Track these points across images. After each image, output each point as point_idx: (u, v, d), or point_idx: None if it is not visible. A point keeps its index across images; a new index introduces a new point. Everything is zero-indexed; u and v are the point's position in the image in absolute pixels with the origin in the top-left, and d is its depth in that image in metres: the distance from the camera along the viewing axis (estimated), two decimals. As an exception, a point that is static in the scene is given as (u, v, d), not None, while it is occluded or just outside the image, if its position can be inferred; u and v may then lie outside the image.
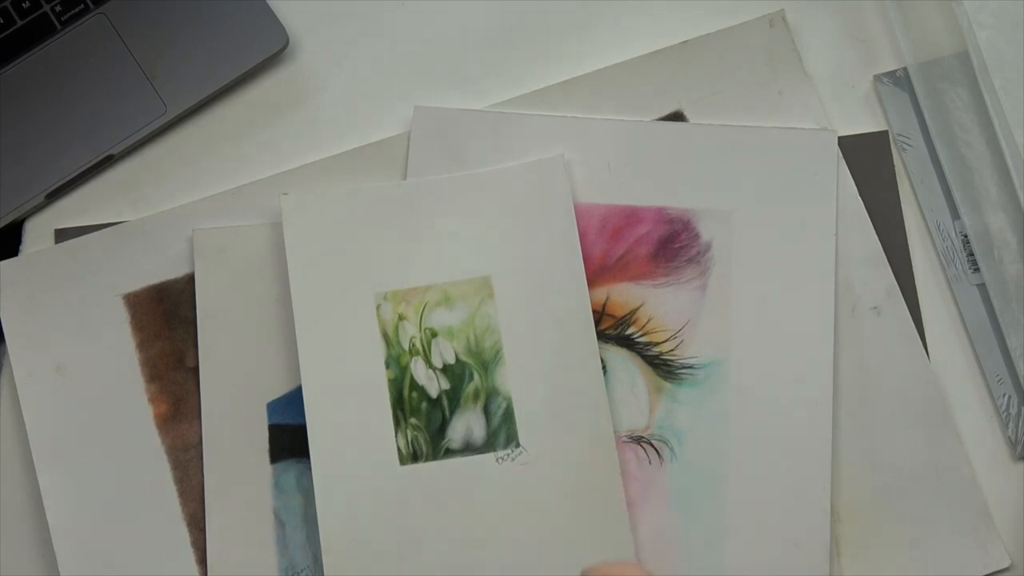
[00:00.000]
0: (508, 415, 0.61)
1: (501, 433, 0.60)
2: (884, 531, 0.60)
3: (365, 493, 0.60)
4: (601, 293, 0.62)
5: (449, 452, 0.60)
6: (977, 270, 0.63)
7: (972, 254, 0.63)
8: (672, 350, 0.62)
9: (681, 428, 0.61)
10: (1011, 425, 0.61)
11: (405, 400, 0.61)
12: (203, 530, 0.61)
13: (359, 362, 0.61)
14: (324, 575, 0.59)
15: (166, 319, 0.63)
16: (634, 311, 0.62)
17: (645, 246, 0.63)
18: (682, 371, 0.62)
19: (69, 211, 0.65)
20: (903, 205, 0.64)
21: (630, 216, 0.63)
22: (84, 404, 0.62)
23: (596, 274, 0.63)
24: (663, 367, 0.62)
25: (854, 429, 0.61)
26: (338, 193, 0.63)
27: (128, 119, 0.65)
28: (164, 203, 0.65)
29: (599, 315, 0.62)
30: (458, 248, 0.62)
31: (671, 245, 0.63)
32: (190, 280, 0.63)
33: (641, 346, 0.62)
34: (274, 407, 0.62)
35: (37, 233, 0.65)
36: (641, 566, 0.49)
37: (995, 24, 0.62)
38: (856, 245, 0.63)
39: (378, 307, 0.62)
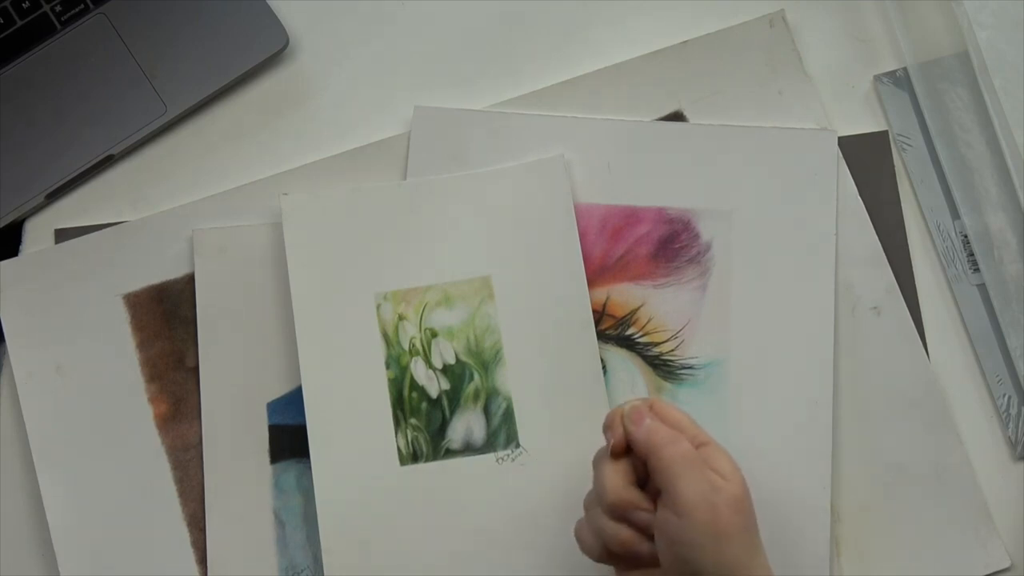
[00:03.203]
0: (508, 415, 0.61)
1: (501, 433, 0.60)
2: (884, 531, 0.60)
3: (365, 493, 0.60)
4: (601, 293, 0.62)
5: (449, 452, 0.60)
6: (977, 270, 0.63)
7: (972, 254, 0.63)
8: (672, 350, 0.62)
9: (681, 428, 0.61)
10: (1011, 425, 0.61)
11: (405, 400, 0.61)
12: (203, 530, 0.61)
13: (359, 362, 0.61)
14: (324, 575, 0.59)
15: (166, 319, 0.63)
16: (634, 311, 0.62)
17: (645, 246, 0.63)
18: (682, 371, 0.62)
19: (69, 211, 0.65)
20: (903, 205, 0.64)
21: (630, 216, 0.63)
22: (84, 404, 0.62)
23: (596, 274, 0.63)
24: (663, 367, 0.62)
25: (854, 429, 0.61)
26: (338, 193, 0.63)
27: (128, 119, 0.65)
28: (164, 203, 0.65)
29: (599, 315, 0.62)
30: (458, 248, 0.62)
31: (671, 245, 0.63)
32: (190, 280, 0.63)
33: (641, 346, 0.62)
34: (274, 407, 0.62)
35: (37, 233, 0.65)
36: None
37: (995, 24, 0.62)
38: (856, 245, 0.63)
39: (378, 307, 0.62)
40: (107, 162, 0.65)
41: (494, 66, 0.67)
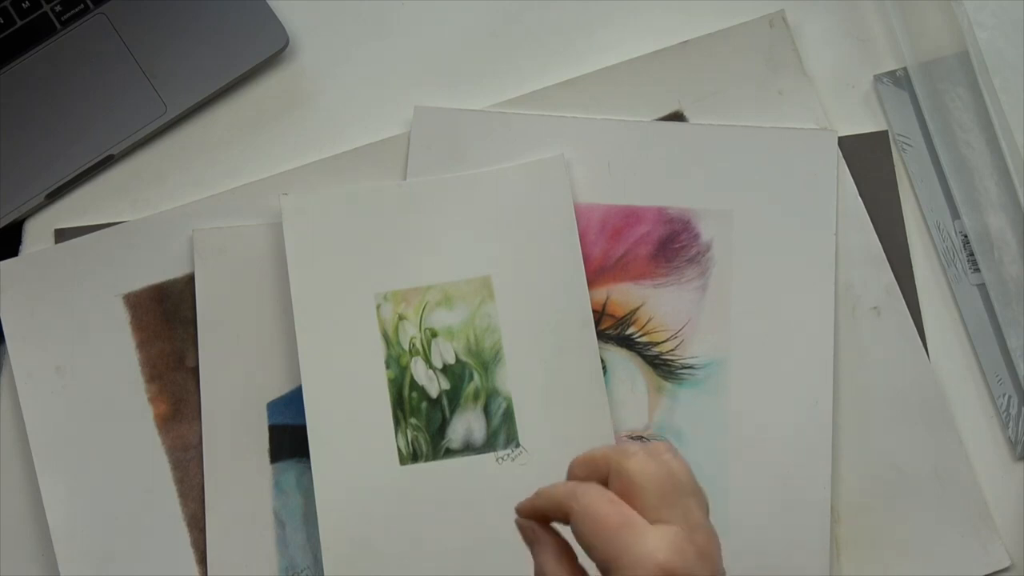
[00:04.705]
0: (508, 415, 0.61)
1: (501, 433, 0.60)
2: (884, 531, 0.60)
3: (365, 493, 0.60)
4: (601, 293, 0.62)
5: (449, 452, 0.60)
6: (977, 270, 0.63)
7: (972, 254, 0.63)
8: (672, 350, 0.62)
9: (681, 428, 0.61)
10: (1011, 425, 0.61)
11: (405, 400, 0.61)
12: (203, 530, 0.61)
13: (359, 362, 0.61)
14: (324, 575, 0.59)
15: (166, 319, 0.63)
16: (634, 311, 0.62)
17: (645, 246, 0.63)
18: (682, 371, 0.62)
19: (69, 211, 0.65)
20: (903, 205, 0.64)
21: (630, 216, 0.63)
22: (84, 404, 0.62)
23: (596, 274, 0.63)
24: (663, 367, 0.62)
25: (854, 429, 0.61)
26: (338, 193, 0.63)
27: (128, 119, 0.65)
28: (164, 203, 0.65)
29: (599, 315, 0.62)
30: (458, 248, 0.62)
31: (671, 245, 0.63)
32: (190, 280, 0.63)
33: (641, 346, 0.62)
34: (274, 407, 0.62)
35: (37, 233, 0.65)
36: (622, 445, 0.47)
37: (995, 24, 0.62)
38: (856, 245, 0.63)
39: (378, 307, 0.62)
40: (107, 162, 0.65)
41: (494, 66, 0.67)
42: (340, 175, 0.65)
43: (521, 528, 0.45)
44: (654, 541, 0.40)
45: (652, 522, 0.41)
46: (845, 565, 0.60)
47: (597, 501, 0.42)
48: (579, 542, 0.42)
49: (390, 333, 0.61)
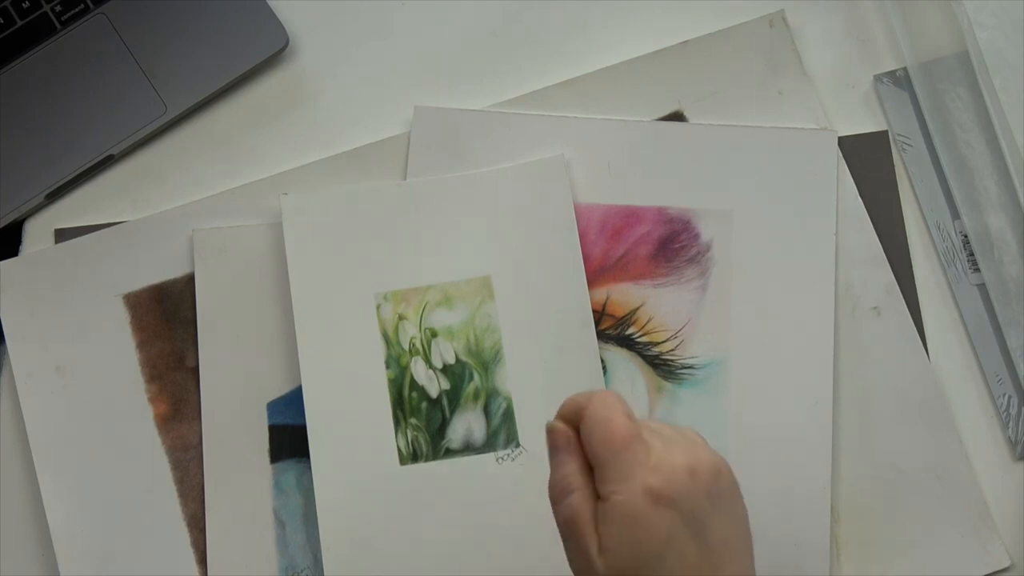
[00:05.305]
0: (508, 415, 0.61)
1: (501, 433, 0.60)
2: (884, 531, 0.60)
3: (365, 493, 0.60)
4: (601, 293, 0.63)
5: (449, 452, 0.60)
6: (977, 270, 0.63)
7: (972, 254, 0.63)
8: (672, 350, 0.62)
9: (681, 428, 0.61)
10: (1011, 425, 0.61)
11: (405, 400, 0.61)
12: (203, 530, 0.61)
13: (359, 362, 0.61)
14: (324, 575, 0.59)
15: (166, 319, 0.63)
16: (634, 311, 0.62)
17: (645, 246, 0.63)
18: (682, 371, 0.62)
19: (69, 211, 0.65)
20: (903, 205, 0.64)
21: (630, 216, 0.63)
22: (84, 404, 0.62)
23: (596, 274, 0.63)
24: (663, 367, 0.62)
25: (854, 429, 0.61)
26: (338, 193, 0.63)
27: (128, 119, 0.65)
28: (164, 203, 0.65)
29: (599, 315, 0.62)
30: (458, 248, 0.62)
31: (671, 245, 0.63)
32: (190, 280, 0.63)
33: (641, 346, 0.62)
34: (274, 407, 0.62)
35: (37, 233, 0.65)
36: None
37: (995, 24, 0.62)
38: (856, 245, 0.63)
39: (378, 307, 0.62)
40: (107, 162, 0.65)
41: (494, 66, 0.67)
42: (340, 175, 0.65)
43: (555, 431, 0.47)
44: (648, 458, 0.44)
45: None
46: (845, 565, 0.60)
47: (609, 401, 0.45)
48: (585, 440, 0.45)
49: (390, 333, 0.61)
